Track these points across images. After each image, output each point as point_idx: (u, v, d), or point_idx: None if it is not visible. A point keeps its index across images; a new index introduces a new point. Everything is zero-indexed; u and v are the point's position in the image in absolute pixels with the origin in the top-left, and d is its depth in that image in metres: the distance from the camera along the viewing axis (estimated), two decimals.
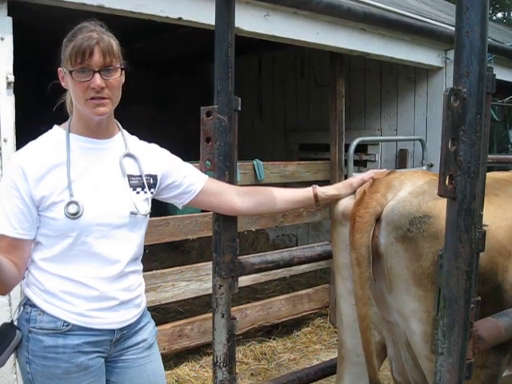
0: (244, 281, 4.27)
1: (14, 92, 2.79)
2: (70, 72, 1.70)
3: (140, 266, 1.94)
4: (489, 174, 1.69)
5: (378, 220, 1.94)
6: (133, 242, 1.85)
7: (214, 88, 1.99)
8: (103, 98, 1.73)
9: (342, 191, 2.11)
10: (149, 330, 1.96)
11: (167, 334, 3.95)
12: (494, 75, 1.64)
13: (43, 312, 1.74)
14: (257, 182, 4.42)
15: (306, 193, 2.10)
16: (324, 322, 5.14)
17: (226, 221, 2.03)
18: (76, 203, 1.69)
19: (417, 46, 5.12)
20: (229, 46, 1.95)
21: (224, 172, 1.99)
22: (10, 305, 2.83)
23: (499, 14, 23.87)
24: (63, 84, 1.78)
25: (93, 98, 1.72)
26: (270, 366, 4.36)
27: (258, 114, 7.93)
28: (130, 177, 1.84)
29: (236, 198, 1.98)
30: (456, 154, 1.41)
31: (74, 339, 1.74)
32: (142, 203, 1.85)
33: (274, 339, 4.78)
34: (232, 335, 2.08)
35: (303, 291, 5.04)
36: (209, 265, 3.98)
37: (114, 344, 1.84)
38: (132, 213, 1.80)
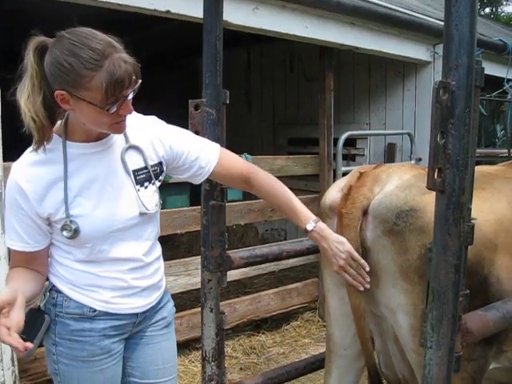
0: (233, 275, 4.26)
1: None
2: (102, 107, 1.52)
3: (159, 250, 1.91)
4: (476, 168, 1.69)
5: (364, 214, 1.95)
6: (148, 234, 1.82)
7: (202, 81, 1.98)
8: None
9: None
10: (168, 309, 1.98)
11: None
12: (483, 68, 1.64)
13: (69, 298, 1.74)
14: None
15: (300, 222, 1.91)
16: (313, 315, 5.14)
17: (214, 215, 2.02)
18: (69, 227, 1.63)
19: (405, 40, 5.13)
20: (217, 39, 1.94)
21: None
22: None
23: (487, 9, 23.99)
24: (66, 106, 1.56)
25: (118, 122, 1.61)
26: (259, 360, 4.36)
27: (246, 108, 7.91)
28: (135, 172, 1.74)
29: (245, 186, 1.93)
30: (445, 148, 1.41)
31: (100, 323, 1.76)
32: (152, 198, 1.78)
33: (263, 333, 4.78)
34: (221, 330, 2.08)
35: (292, 285, 5.05)
36: (197, 259, 3.96)
37: (136, 325, 1.86)
38: (142, 213, 1.75)
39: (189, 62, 7.88)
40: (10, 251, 1.77)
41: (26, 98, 1.55)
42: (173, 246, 6.65)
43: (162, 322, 1.94)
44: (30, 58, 1.56)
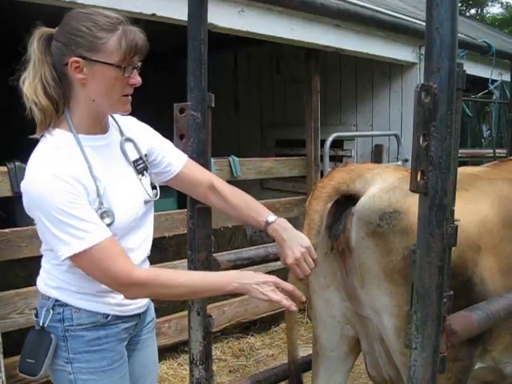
0: None
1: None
2: (119, 67, 1.57)
3: None
4: (459, 169, 1.71)
5: (351, 215, 1.96)
6: (150, 222, 1.88)
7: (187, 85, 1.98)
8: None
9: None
10: (152, 310, 2.02)
11: None
12: (465, 71, 1.66)
13: (79, 309, 1.70)
14: (233, 179, 4.41)
15: (261, 217, 1.86)
16: (301, 317, 5.14)
17: (200, 218, 2.02)
18: (109, 212, 1.62)
19: (391, 42, 5.15)
20: (201, 42, 1.93)
21: None
22: None
23: (472, 11, 24.19)
24: (79, 76, 1.58)
25: (126, 95, 1.65)
26: (248, 362, 4.36)
27: (234, 110, 7.91)
28: (135, 162, 1.81)
29: (208, 193, 1.93)
30: (427, 150, 1.42)
31: (113, 328, 1.76)
32: (150, 186, 1.85)
33: (252, 335, 4.79)
34: (208, 333, 2.08)
35: None
36: (186, 262, 3.95)
37: (135, 328, 1.88)
38: (146, 201, 1.81)
39: (179, 64, 7.86)
40: None
41: (28, 84, 1.61)
42: (161, 249, 6.60)
43: (151, 323, 1.99)
44: (33, 47, 1.62)
